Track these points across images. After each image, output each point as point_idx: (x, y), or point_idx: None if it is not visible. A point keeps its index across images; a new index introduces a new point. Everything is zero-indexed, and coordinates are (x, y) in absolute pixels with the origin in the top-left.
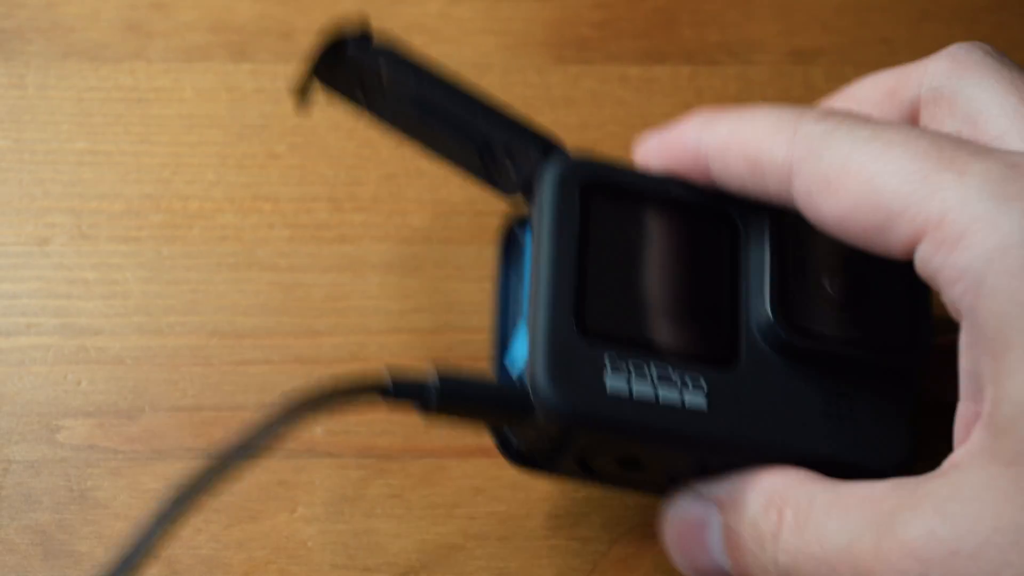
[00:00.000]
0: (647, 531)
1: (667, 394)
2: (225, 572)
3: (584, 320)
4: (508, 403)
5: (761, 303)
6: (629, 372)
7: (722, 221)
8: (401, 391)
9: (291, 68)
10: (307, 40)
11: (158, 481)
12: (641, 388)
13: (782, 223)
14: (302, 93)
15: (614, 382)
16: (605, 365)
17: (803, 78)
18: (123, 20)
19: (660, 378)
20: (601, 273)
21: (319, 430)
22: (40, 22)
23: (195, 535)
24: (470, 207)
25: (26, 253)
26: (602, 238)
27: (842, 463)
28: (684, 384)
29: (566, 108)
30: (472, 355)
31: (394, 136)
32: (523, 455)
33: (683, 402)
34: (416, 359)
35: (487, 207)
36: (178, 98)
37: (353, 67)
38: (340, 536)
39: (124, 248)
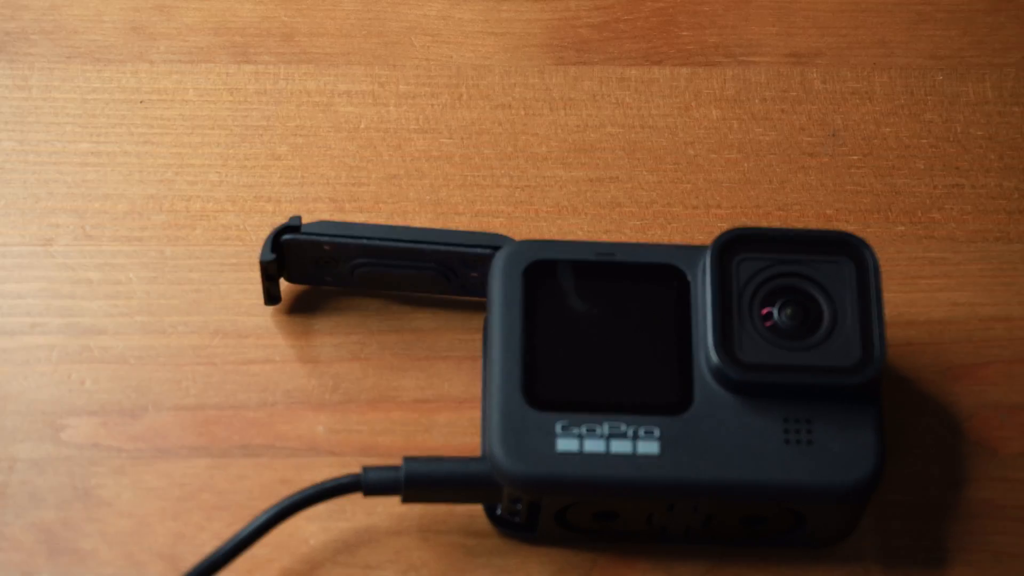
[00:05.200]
0: None
1: (619, 446)
2: (228, 570)
3: (534, 391)
4: (474, 479)
5: (708, 346)
6: (580, 432)
7: (668, 275)
8: (375, 489)
9: (293, 69)
10: (308, 42)
11: (161, 479)
12: (592, 445)
13: (725, 263)
14: (270, 297)
15: (565, 444)
16: (555, 430)
17: (801, 79)
18: (126, 22)
19: (612, 433)
20: (548, 345)
21: (321, 429)
22: (44, 24)
23: (198, 533)
24: (470, 207)
25: (31, 253)
26: (547, 312)
27: (806, 488)
28: (636, 435)
29: (566, 109)
30: (471, 354)
31: (367, 292)
32: (511, 523)
33: (635, 451)
34: (416, 360)
35: (487, 207)
36: (181, 99)
37: (297, 252)
38: (342, 534)
39: (128, 248)
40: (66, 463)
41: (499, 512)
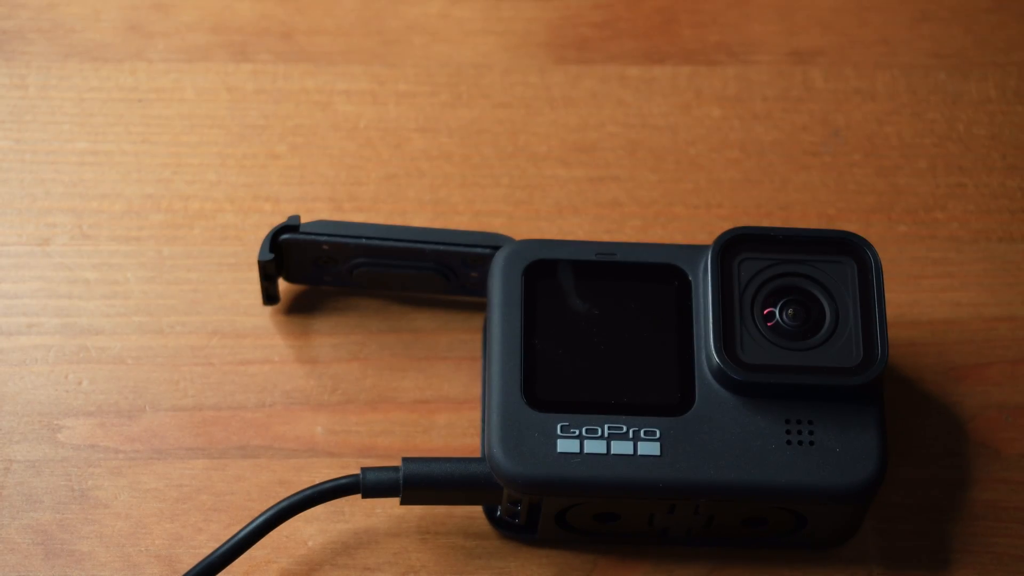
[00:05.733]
0: None
1: (619, 447)
2: (226, 572)
3: (534, 392)
4: (473, 480)
5: (709, 346)
6: (581, 433)
7: (670, 275)
8: (374, 490)
9: (292, 68)
10: (307, 41)
11: (159, 480)
12: (593, 446)
13: (727, 263)
14: (268, 297)
15: (565, 445)
16: (556, 430)
17: (802, 78)
18: (124, 20)
19: (613, 434)
20: (549, 345)
21: (319, 430)
22: (41, 23)
23: (196, 534)
24: (469, 207)
25: (27, 253)
26: (547, 312)
27: (808, 489)
28: (637, 435)
29: (566, 108)
30: (470, 354)
31: (366, 292)
32: (511, 525)
33: (636, 452)
34: (415, 360)
35: (487, 207)
36: (179, 98)
37: (296, 251)
38: (340, 535)
39: (125, 248)
40: (63, 464)
41: (499, 514)
